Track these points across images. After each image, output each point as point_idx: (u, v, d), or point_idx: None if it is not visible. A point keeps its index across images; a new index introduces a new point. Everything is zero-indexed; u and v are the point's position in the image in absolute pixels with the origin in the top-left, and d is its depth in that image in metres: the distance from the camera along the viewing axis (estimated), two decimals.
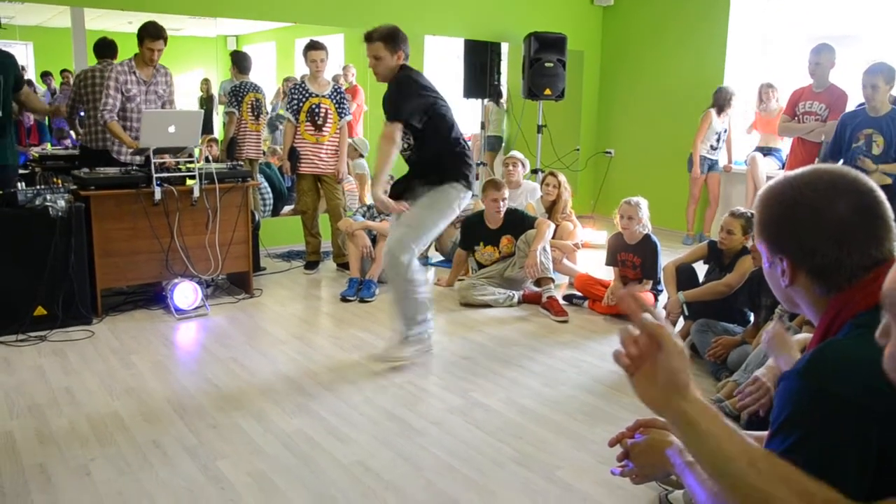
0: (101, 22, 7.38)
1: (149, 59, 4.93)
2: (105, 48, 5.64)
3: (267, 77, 10.93)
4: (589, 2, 8.36)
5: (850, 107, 5.19)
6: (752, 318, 3.99)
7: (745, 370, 3.22)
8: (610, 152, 8.47)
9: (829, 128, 5.17)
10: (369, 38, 3.83)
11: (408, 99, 3.72)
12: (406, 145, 3.85)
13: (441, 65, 9.37)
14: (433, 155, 3.83)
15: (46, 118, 8.87)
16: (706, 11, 7.54)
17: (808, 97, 5.33)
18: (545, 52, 7.09)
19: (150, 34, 4.87)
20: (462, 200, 3.86)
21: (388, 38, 3.79)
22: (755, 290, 3.75)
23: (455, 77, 7.88)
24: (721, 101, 7.05)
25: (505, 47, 8.04)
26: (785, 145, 6.86)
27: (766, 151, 6.97)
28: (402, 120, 3.71)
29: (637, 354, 1.18)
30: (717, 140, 7.16)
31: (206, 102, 10.71)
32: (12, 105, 4.89)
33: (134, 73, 4.94)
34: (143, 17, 5.53)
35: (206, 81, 10.94)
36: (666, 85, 8.00)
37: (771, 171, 6.86)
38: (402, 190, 3.91)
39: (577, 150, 8.37)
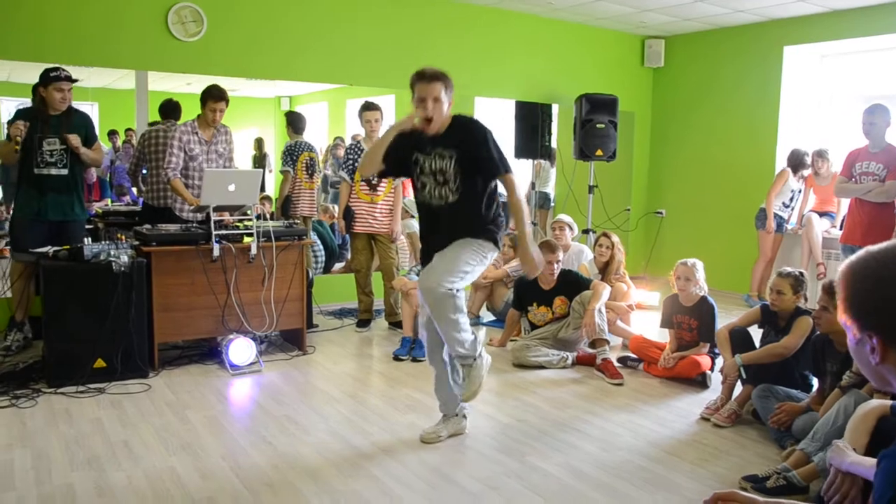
0: (162, 83, 7.70)
1: (211, 120, 5.11)
2: (170, 109, 5.90)
3: (319, 137, 11.21)
4: (639, 63, 8.45)
5: None
6: (814, 383, 3.90)
7: (812, 439, 3.13)
8: (661, 212, 8.44)
9: (889, 188, 5.10)
10: (433, 76, 3.35)
11: (497, 147, 3.41)
12: (443, 193, 3.43)
13: (492, 125, 9.53)
14: (473, 211, 3.44)
15: (108, 175, 9.22)
16: (758, 71, 7.57)
17: (865, 157, 5.28)
18: (596, 113, 7.17)
19: (213, 96, 5.07)
20: (493, 256, 3.51)
21: (448, 80, 3.39)
22: (819, 355, 3.66)
23: (506, 137, 7.98)
24: (796, 162, 6.98)
25: (555, 108, 8.14)
26: (841, 208, 6.77)
27: (822, 214, 6.89)
28: (511, 170, 3.42)
29: None
30: (791, 199, 7.08)
31: (259, 161, 11.02)
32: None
33: (196, 133, 5.12)
34: (201, 79, 5.79)
35: (259, 140, 11.28)
36: (717, 145, 8.00)
37: (826, 233, 6.77)
38: (423, 256, 3.58)
39: (628, 210, 8.36)
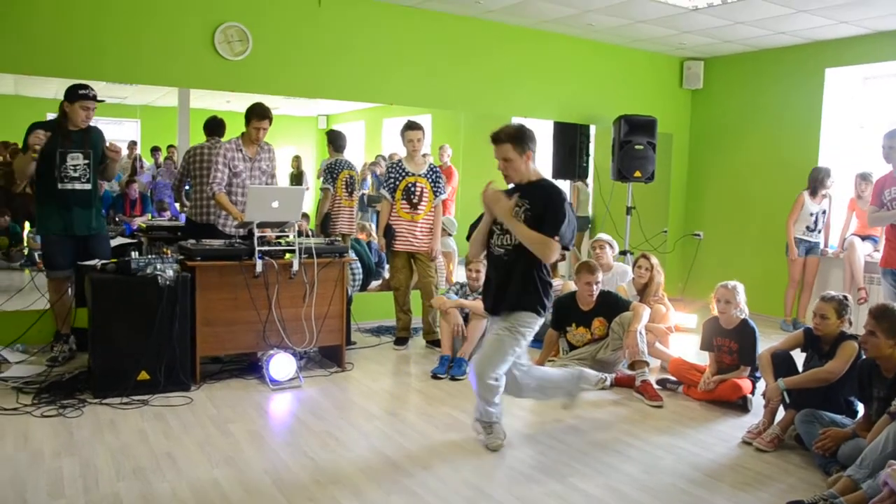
0: (203, 101, 7.88)
1: (255, 138, 5.21)
2: (215, 127, 6.02)
3: (356, 155, 11.36)
4: (678, 85, 8.45)
5: None
6: (859, 408, 3.84)
7: (860, 465, 3.09)
8: (699, 235, 8.40)
9: None
10: (497, 139, 3.69)
11: (570, 224, 3.62)
12: (504, 242, 3.74)
13: None
14: (525, 272, 3.69)
15: (149, 191, 9.42)
16: (799, 94, 7.53)
17: (892, 183, 5.19)
18: (635, 134, 7.17)
19: (258, 114, 5.17)
20: (537, 326, 3.79)
21: (516, 138, 3.66)
22: (865, 381, 3.62)
23: (545, 158, 8.00)
24: (813, 183, 6.97)
25: (593, 129, 8.16)
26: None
27: (864, 237, 6.81)
28: (567, 248, 3.66)
29: None
30: (815, 222, 7.02)
31: (296, 178, 11.18)
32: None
33: (241, 150, 5.23)
34: (241, 97, 5.92)
35: (296, 158, 11.45)
36: (757, 168, 7.95)
37: (869, 256, 6.68)
38: (487, 302, 3.91)
39: (665, 231, 8.32)
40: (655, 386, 4.89)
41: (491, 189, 3.73)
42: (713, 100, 8.41)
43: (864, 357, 3.69)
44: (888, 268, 5.29)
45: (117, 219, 8.37)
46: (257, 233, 4.74)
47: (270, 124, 5.24)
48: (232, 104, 7.14)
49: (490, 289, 3.88)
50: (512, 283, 3.71)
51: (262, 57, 5.92)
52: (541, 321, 3.79)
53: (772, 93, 7.80)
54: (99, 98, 4.84)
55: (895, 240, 5.23)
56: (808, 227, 7.04)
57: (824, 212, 7.05)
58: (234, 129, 5.58)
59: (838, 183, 7.30)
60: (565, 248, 3.66)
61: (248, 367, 5.06)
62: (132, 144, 10.70)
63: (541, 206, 3.61)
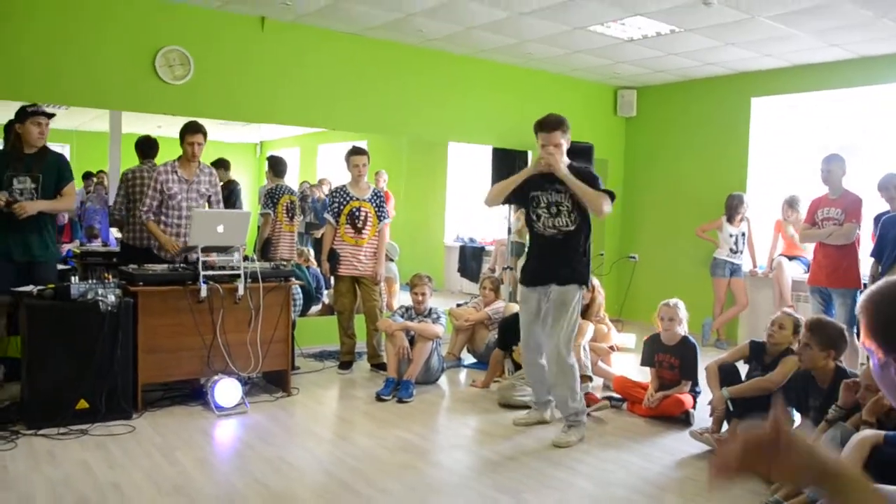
0: (135, 126, 7.74)
1: (190, 155, 5.15)
2: (148, 147, 5.90)
3: (291, 181, 11.31)
4: (612, 113, 8.75)
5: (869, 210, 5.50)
6: (796, 419, 4.04)
7: None
8: (634, 257, 8.65)
9: (847, 230, 5.41)
10: (548, 125, 4.15)
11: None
12: (560, 223, 4.21)
13: (467, 170, 9.70)
14: (575, 249, 4.21)
15: (78, 217, 9.14)
16: (727, 121, 7.89)
17: (826, 204, 5.62)
18: (572, 160, 7.36)
19: (190, 129, 5.14)
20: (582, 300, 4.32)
21: (565, 125, 4.16)
22: (801, 392, 3.81)
23: (483, 183, 8.14)
24: (728, 210, 7.39)
25: (530, 154, 8.34)
26: (809, 252, 7.04)
27: (791, 258, 7.16)
28: (614, 198, 4.20)
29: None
30: (736, 243, 7.37)
31: (231, 205, 11.03)
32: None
33: (175, 172, 5.15)
34: (175, 122, 5.82)
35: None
36: (688, 192, 8.27)
37: (796, 275, 7.02)
38: (531, 276, 4.37)
39: (602, 255, 8.54)
40: (599, 397, 5.04)
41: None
42: (646, 127, 8.73)
43: (800, 369, 3.88)
44: (815, 285, 5.63)
45: None
46: (202, 257, 4.69)
47: (205, 139, 5.19)
48: (164, 129, 7.04)
49: (534, 265, 4.37)
50: (563, 259, 4.21)
51: (204, 81, 5.89)
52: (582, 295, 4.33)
53: (701, 120, 8.16)
54: (50, 113, 4.74)
55: (822, 258, 5.59)
56: (731, 250, 7.38)
57: (743, 234, 7.42)
58: (166, 154, 5.51)
59: (764, 205, 7.67)
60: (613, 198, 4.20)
61: (191, 393, 4.95)
62: None
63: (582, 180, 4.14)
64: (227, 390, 4.68)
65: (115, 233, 7.13)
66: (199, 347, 4.75)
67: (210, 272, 4.76)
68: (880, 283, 1.43)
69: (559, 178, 4.15)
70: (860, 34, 6.05)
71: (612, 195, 4.19)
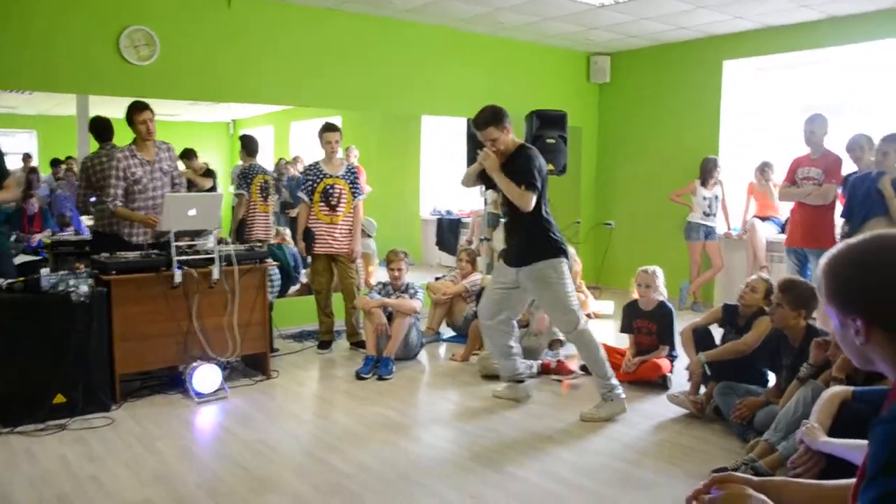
0: (103, 108, 7.62)
1: (145, 133, 5.02)
2: (104, 129, 5.74)
3: (265, 160, 11.25)
4: (585, 79, 8.72)
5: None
6: (770, 378, 4.11)
7: (775, 429, 3.30)
8: (610, 224, 8.68)
9: (825, 190, 5.43)
10: (478, 124, 4.17)
11: (532, 168, 4.12)
12: (506, 210, 4.29)
13: (443, 143, 9.67)
14: (529, 228, 4.21)
15: (48, 205, 9.02)
16: (698, 84, 7.89)
17: (806, 164, 5.62)
18: (547, 129, 7.33)
19: (136, 107, 5.03)
20: (566, 265, 4.28)
21: (495, 119, 4.14)
22: (775, 351, 3.87)
23: (459, 156, 8.11)
24: (703, 174, 7.43)
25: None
26: (782, 213, 7.10)
27: (764, 219, 7.22)
28: (537, 191, 4.12)
29: None
30: (710, 206, 7.41)
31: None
32: None
33: (135, 155, 5.03)
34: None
35: (206, 164, 11.20)
36: (662, 157, 8.29)
37: (770, 236, 7.09)
38: (505, 256, 4.43)
39: (578, 223, 8.57)
40: (578, 371, 5.11)
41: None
42: (619, 93, 8.71)
43: (773, 328, 3.93)
44: (791, 246, 5.66)
45: (16, 236, 7.98)
46: (174, 242, 4.64)
47: (153, 115, 5.08)
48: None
49: (505, 246, 4.49)
50: (523, 241, 4.26)
51: (171, 61, 5.78)
52: (566, 262, 4.30)
53: (674, 85, 8.15)
54: None
55: (799, 217, 5.60)
56: (704, 213, 7.43)
57: (717, 196, 7.46)
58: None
59: (736, 168, 7.71)
60: (538, 193, 4.13)
61: (170, 381, 4.91)
62: (27, 157, 10.21)
63: (512, 162, 4.18)
64: (206, 376, 4.66)
65: (86, 220, 7.04)
66: (175, 334, 4.72)
67: (184, 257, 4.71)
68: (838, 245, 1.45)
69: (506, 165, 4.20)
70: None
71: (534, 187, 4.12)
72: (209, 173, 7.82)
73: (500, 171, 4.16)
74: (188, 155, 6.85)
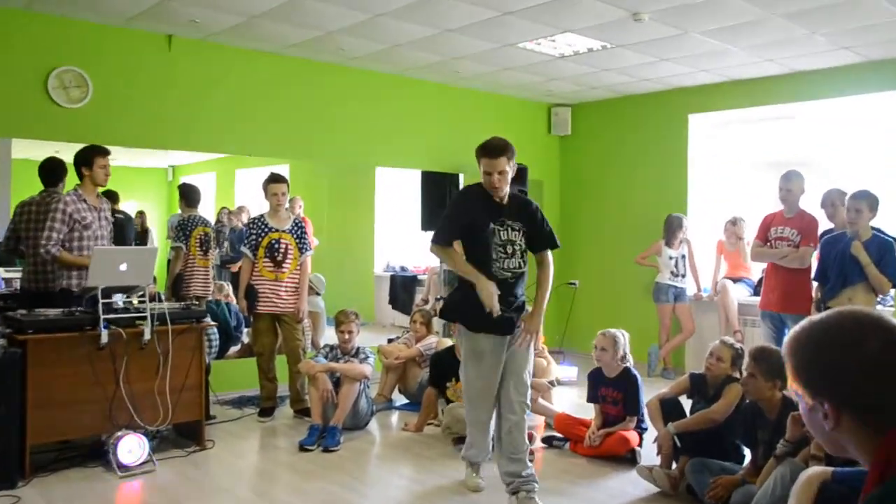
0: (27, 151, 7.44)
1: (103, 179, 4.96)
2: (53, 170, 5.47)
3: (206, 209, 11.08)
4: (546, 131, 8.84)
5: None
6: (746, 454, 4.07)
7: None
8: (574, 283, 8.69)
9: (803, 253, 5.44)
10: (495, 151, 3.89)
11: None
12: (514, 265, 4.00)
13: (398, 195, 9.65)
14: (523, 282, 4.08)
15: None
16: (663, 138, 8.06)
17: (780, 223, 5.63)
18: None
19: (98, 151, 4.95)
20: None
21: (511, 151, 3.95)
22: (749, 424, 3.83)
23: (413, 210, 8.10)
24: (667, 233, 7.51)
25: (462, 177, 8.34)
26: (754, 273, 7.19)
27: (736, 280, 7.29)
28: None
29: None
30: (677, 266, 7.48)
31: (141, 236, 10.70)
32: None
33: (84, 200, 4.92)
34: (73, 147, 5.55)
35: (140, 213, 10.96)
36: (628, 212, 8.38)
37: (742, 298, 7.15)
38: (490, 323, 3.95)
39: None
40: (541, 444, 5.00)
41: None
42: (582, 146, 8.85)
43: (747, 401, 3.90)
44: (767, 310, 5.65)
45: None
46: (102, 299, 4.47)
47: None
48: (61, 154, 6.77)
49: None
50: (517, 296, 4.01)
51: (104, 104, 5.70)
52: None
53: (639, 138, 8.30)
54: None
55: (774, 281, 5.59)
56: (672, 273, 7.48)
57: (683, 256, 7.53)
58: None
59: (704, 225, 7.83)
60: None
61: (90, 453, 4.68)
62: None
63: (533, 222, 4.06)
64: (131, 447, 4.46)
65: (1, 272, 6.74)
66: (99, 400, 4.52)
67: (112, 315, 4.54)
68: (803, 323, 1.44)
69: (512, 210, 3.99)
70: (794, 49, 6.25)
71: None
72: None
73: (539, 316, 4.03)
74: (111, 198, 6.55)
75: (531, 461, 4.11)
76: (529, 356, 4.06)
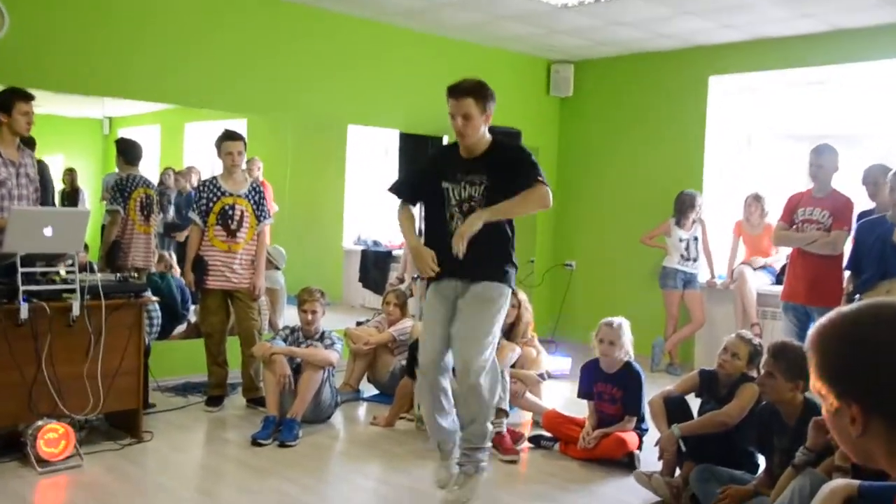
0: None
1: (24, 128, 4.88)
2: None
3: (149, 168, 10.97)
4: (545, 91, 8.80)
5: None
6: (761, 462, 4.08)
7: None
8: (570, 265, 8.71)
9: (835, 238, 5.40)
10: (457, 91, 3.94)
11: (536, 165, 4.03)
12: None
13: (373, 159, 9.59)
14: (499, 238, 4.01)
15: None
16: (679, 103, 8.04)
17: (808, 203, 5.58)
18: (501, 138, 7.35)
19: (20, 95, 4.86)
20: (508, 301, 4.13)
21: (479, 93, 3.92)
22: (765, 429, 3.84)
23: (389, 174, 8.05)
24: (678, 213, 7.52)
25: (446, 140, 8.29)
26: (778, 258, 7.19)
27: (755, 266, 7.30)
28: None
29: None
30: (688, 249, 7.49)
31: (70, 197, 10.58)
32: None
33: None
34: None
35: (70, 171, 10.82)
36: (634, 186, 8.37)
37: (762, 287, 7.17)
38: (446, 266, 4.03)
39: (532, 261, 8.56)
40: (528, 444, 5.05)
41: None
42: (584, 109, 8.81)
43: (763, 403, 3.91)
44: (790, 301, 5.62)
45: None
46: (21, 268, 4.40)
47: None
48: None
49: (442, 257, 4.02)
50: (479, 257, 3.91)
51: (24, 40, 5.57)
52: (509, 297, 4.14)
53: (650, 102, 8.28)
54: None
55: (801, 269, 5.55)
56: (682, 256, 7.50)
57: (696, 238, 7.54)
58: None
59: (722, 203, 7.83)
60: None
61: (6, 445, 4.62)
62: None
63: (506, 169, 3.97)
64: (54, 439, 4.42)
65: None
66: (17, 384, 4.45)
67: (34, 287, 4.48)
68: (831, 314, 1.43)
69: (473, 163, 4.00)
70: (834, 2, 6.20)
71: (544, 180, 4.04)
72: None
73: (489, 214, 3.90)
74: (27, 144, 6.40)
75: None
76: (485, 319, 3.98)
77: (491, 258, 4.00)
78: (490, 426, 4.09)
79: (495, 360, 4.07)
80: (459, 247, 3.79)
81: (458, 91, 3.93)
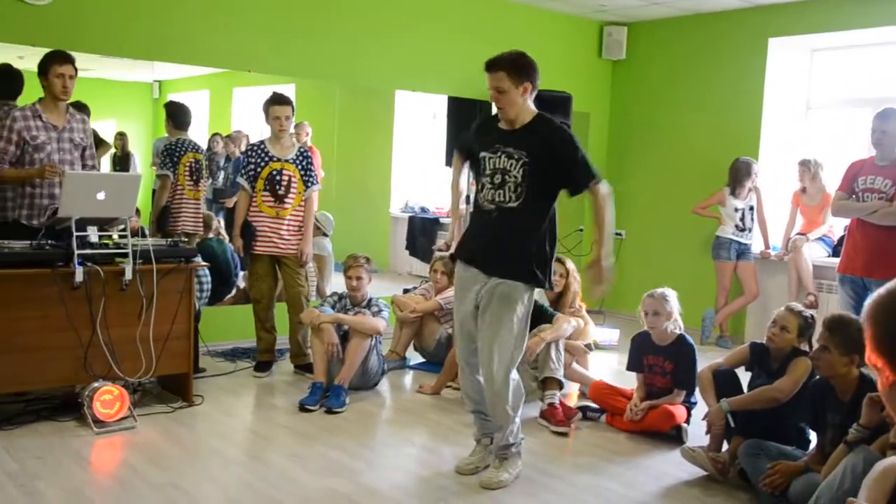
0: None
1: (60, 91, 4.93)
2: (9, 81, 5.53)
3: (198, 132, 11.09)
4: (596, 55, 8.72)
5: None
6: (812, 438, 4.07)
7: None
8: (621, 234, 8.66)
9: None
10: (489, 65, 3.95)
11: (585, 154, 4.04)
12: (500, 198, 3.94)
13: (421, 124, 9.61)
14: (519, 235, 3.96)
15: None
16: (736, 66, 7.92)
17: (870, 171, 5.42)
18: (547, 113, 7.32)
19: (56, 57, 4.91)
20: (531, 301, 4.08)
21: (513, 65, 3.89)
22: (818, 404, 3.83)
23: (438, 139, 8.07)
24: (732, 182, 7.44)
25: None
26: (836, 229, 7.09)
27: (812, 237, 7.21)
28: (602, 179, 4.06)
29: None
30: (743, 219, 7.42)
31: (121, 161, 10.76)
32: None
33: (40, 117, 4.95)
34: (37, 52, 5.56)
35: (121, 135, 11.00)
36: (688, 153, 8.29)
37: (818, 259, 7.08)
38: (469, 253, 4.11)
39: (581, 230, 8.54)
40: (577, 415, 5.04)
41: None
42: (637, 73, 8.72)
43: (817, 378, 3.90)
44: (847, 273, 5.52)
45: None
46: (77, 232, 4.52)
47: (76, 72, 5.00)
48: (26, 61, 6.73)
49: (471, 244, 4.14)
50: (502, 247, 3.97)
51: (76, 3, 5.67)
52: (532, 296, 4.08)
53: (706, 66, 8.16)
54: None
55: (860, 240, 5.43)
56: (736, 227, 7.42)
57: (752, 207, 7.46)
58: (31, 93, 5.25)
59: (780, 172, 7.73)
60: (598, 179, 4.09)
61: (63, 405, 4.81)
62: None
63: (548, 151, 3.91)
64: (109, 400, 4.57)
65: None
66: (73, 347, 4.61)
67: (88, 251, 4.61)
68: (889, 285, 1.42)
69: (512, 135, 3.96)
70: None
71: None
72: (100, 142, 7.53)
73: (606, 244, 4.16)
74: (81, 108, 6.51)
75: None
76: (505, 324, 3.94)
77: (514, 255, 3.95)
78: (515, 437, 4.07)
79: (520, 382, 4.07)
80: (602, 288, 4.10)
81: (491, 65, 3.93)
